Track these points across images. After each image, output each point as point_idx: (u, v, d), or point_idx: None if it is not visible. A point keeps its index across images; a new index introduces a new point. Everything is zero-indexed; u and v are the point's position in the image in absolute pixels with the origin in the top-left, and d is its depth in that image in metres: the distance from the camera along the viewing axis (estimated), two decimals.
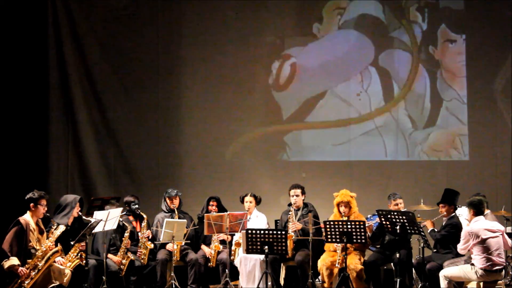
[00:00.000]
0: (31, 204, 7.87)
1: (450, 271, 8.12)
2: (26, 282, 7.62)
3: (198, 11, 11.74)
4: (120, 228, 9.07)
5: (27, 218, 7.83)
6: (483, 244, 7.87)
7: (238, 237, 9.15)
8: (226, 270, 9.05)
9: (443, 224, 8.93)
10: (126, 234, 9.03)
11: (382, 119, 11.67)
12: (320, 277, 8.91)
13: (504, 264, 8.04)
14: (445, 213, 8.89)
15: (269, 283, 8.55)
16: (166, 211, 9.54)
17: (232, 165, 11.73)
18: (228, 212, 9.12)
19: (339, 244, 8.60)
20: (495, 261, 7.87)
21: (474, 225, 7.97)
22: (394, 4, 11.67)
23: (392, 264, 8.89)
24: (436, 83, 11.63)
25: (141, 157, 11.71)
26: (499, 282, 8.35)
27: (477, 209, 8.02)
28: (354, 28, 11.75)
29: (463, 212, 9.42)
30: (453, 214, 8.91)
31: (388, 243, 8.95)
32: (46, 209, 7.95)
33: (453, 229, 8.71)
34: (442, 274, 8.14)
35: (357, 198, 8.98)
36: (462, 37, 11.62)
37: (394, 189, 10.26)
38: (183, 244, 9.25)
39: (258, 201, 9.62)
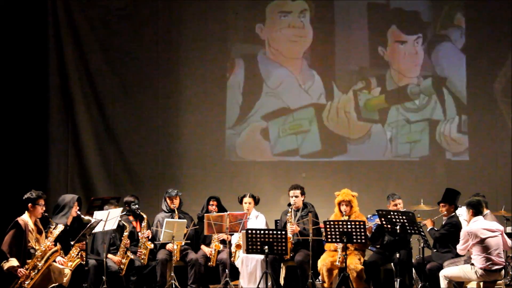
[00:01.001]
0: (29, 204, 7.86)
1: (450, 271, 8.12)
2: (27, 282, 7.62)
3: (198, 11, 11.75)
4: (120, 228, 9.07)
5: (25, 218, 7.82)
6: (482, 243, 7.87)
7: (238, 237, 9.14)
8: (226, 270, 9.04)
9: (443, 223, 8.93)
10: (125, 234, 9.02)
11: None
12: (320, 277, 8.90)
13: (504, 264, 8.05)
14: (445, 212, 8.90)
15: (269, 283, 8.55)
16: (166, 211, 9.53)
17: (232, 165, 11.73)
18: (228, 212, 9.12)
19: (339, 244, 8.60)
20: (495, 261, 7.87)
21: (473, 225, 7.97)
22: (344, 4, 11.69)
23: (392, 264, 8.89)
24: (386, 84, 11.65)
25: (141, 157, 11.71)
26: (499, 282, 8.35)
27: (476, 209, 8.02)
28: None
29: (463, 212, 9.43)
30: (453, 213, 8.92)
31: (388, 243, 8.95)
32: (44, 208, 7.94)
33: (453, 228, 8.72)
34: (442, 274, 8.14)
35: (357, 198, 8.98)
36: (413, 38, 11.59)
37: (394, 189, 10.28)
38: (183, 244, 9.24)
39: (256, 202, 9.61)
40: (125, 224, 9.06)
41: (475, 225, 7.95)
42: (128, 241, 9.06)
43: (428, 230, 8.83)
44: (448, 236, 8.72)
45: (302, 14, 11.76)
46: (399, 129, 11.61)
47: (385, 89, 11.65)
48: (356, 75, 11.70)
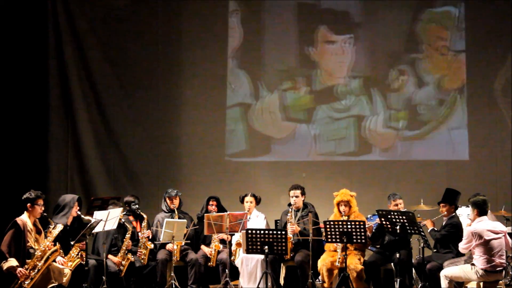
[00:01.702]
0: (28, 204, 7.85)
1: (450, 270, 8.10)
2: (26, 282, 7.62)
3: (198, 11, 11.75)
4: (122, 229, 9.07)
5: (24, 218, 7.82)
6: (486, 245, 7.83)
7: (239, 236, 9.14)
8: (226, 270, 9.04)
9: (443, 223, 8.92)
10: (128, 235, 9.01)
11: None
12: (320, 277, 8.90)
13: (505, 265, 8.02)
14: (445, 212, 8.88)
15: (269, 283, 8.55)
16: (166, 211, 9.53)
17: (232, 165, 11.73)
18: (228, 212, 9.12)
19: (339, 244, 8.60)
20: (497, 263, 7.85)
21: (477, 225, 7.91)
22: (274, 3, 11.70)
23: (392, 264, 8.89)
24: (313, 84, 11.67)
25: (141, 157, 11.72)
26: (499, 282, 8.34)
27: (481, 209, 7.97)
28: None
29: (463, 212, 9.43)
30: (454, 214, 8.91)
31: (388, 243, 8.94)
32: (43, 208, 7.93)
33: (453, 229, 8.71)
34: (443, 274, 8.12)
35: (357, 198, 8.97)
36: (343, 38, 11.61)
37: (394, 189, 10.26)
38: (183, 244, 9.24)
39: (258, 201, 9.61)
40: (128, 225, 9.06)
41: (479, 226, 7.89)
42: (130, 242, 9.04)
43: (428, 231, 8.82)
44: (449, 237, 8.71)
45: (232, 14, 11.78)
46: (323, 127, 11.66)
47: (312, 89, 11.70)
48: (284, 74, 11.74)
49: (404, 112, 11.58)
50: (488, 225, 7.92)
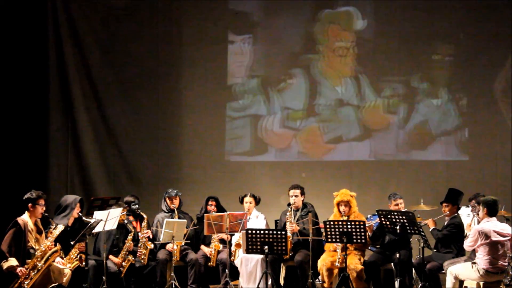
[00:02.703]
0: (29, 204, 7.85)
1: (455, 267, 8.10)
2: (26, 282, 7.61)
3: (198, 11, 11.75)
4: (124, 230, 9.06)
5: (25, 218, 7.82)
6: (491, 246, 7.82)
7: (238, 237, 9.15)
8: (226, 270, 9.05)
9: (445, 223, 8.92)
10: (130, 237, 9.01)
11: None
12: (320, 277, 8.91)
13: (506, 267, 8.01)
14: (448, 212, 8.88)
15: (269, 283, 8.55)
16: (166, 211, 9.54)
17: (231, 165, 11.73)
18: (228, 212, 9.12)
19: (339, 244, 8.60)
20: (499, 265, 7.85)
21: (485, 225, 7.90)
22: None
23: (392, 264, 8.89)
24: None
25: (141, 157, 11.72)
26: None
27: (491, 209, 7.94)
28: None
29: (463, 212, 9.43)
30: (456, 214, 8.90)
31: (388, 243, 8.95)
32: (44, 209, 7.93)
33: (455, 229, 8.71)
34: (449, 270, 8.13)
35: (357, 198, 8.98)
36: (241, 38, 11.64)
37: (394, 189, 10.27)
38: (183, 244, 9.25)
39: (257, 201, 9.62)
40: (130, 227, 9.05)
41: (487, 226, 7.87)
42: (132, 244, 9.04)
43: (430, 230, 8.81)
44: (450, 237, 8.71)
45: None
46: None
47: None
48: None
49: (301, 112, 11.63)
50: (496, 226, 7.91)
